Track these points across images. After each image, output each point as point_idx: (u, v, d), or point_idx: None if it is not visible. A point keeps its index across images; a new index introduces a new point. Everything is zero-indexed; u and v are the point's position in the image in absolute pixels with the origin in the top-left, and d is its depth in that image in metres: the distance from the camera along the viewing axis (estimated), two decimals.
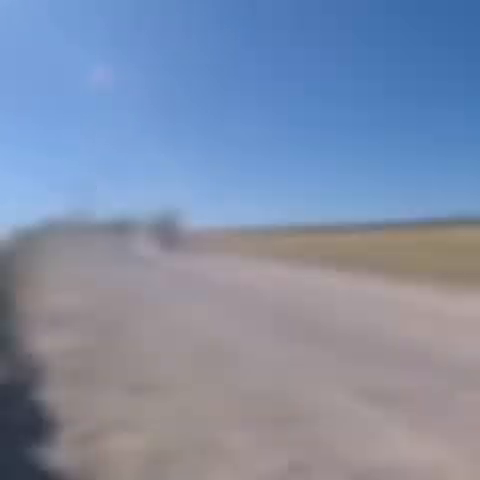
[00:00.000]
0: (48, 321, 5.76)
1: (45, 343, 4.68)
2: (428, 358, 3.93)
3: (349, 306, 6.83)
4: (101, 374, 3.69)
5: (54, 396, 3.15)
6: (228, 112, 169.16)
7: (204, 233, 39.46)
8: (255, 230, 59.55)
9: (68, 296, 8.18)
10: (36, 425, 2.65)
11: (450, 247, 17.84)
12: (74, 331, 5.33)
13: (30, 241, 17.89)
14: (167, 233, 17.28)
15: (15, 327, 4.10)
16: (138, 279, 11.43)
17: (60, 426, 2.64)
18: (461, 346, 4.32)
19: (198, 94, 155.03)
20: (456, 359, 3.89)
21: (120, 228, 38.92)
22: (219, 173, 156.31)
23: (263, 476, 2.08)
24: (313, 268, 12.26)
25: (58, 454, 2.29)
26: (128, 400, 3.09)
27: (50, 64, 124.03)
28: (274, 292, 8.70)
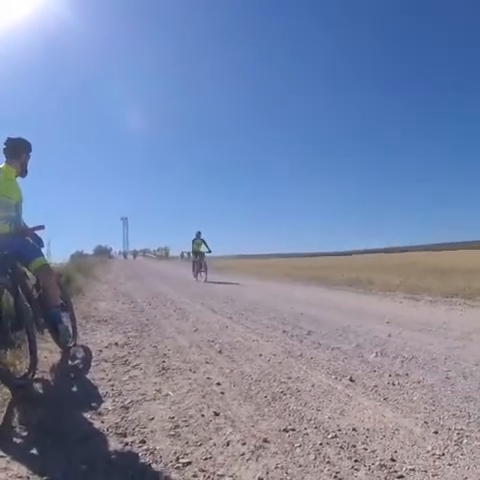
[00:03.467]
0: (95, 321, 6.62)
1: (95, 337, 5.47)
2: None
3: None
4: (138, 359, 4.38)
5: (101, 375, 3.83)
6: None
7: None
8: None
9: (111, 303, 9.09)
10: (87, 397, 3.28)
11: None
12: (116, 327, 6.15)
13: (84, 263, 19.20)
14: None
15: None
16: (171, 290, 12.40)
17: (105, 397, 3.29)
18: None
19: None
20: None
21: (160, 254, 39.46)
22: None
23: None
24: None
25: (106, 418, 2.89)
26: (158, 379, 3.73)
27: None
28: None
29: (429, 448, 2.38)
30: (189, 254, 23.39)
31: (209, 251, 18.09)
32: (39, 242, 4.19)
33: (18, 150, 3.97)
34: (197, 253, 18.05)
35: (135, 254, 70.61)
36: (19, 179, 4.06)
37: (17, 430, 2.64)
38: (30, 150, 4.09)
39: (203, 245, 18.08)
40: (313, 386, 3.46)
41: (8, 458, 2.29)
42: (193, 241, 18.30)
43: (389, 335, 5.29)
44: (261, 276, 18.75)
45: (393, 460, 2.27)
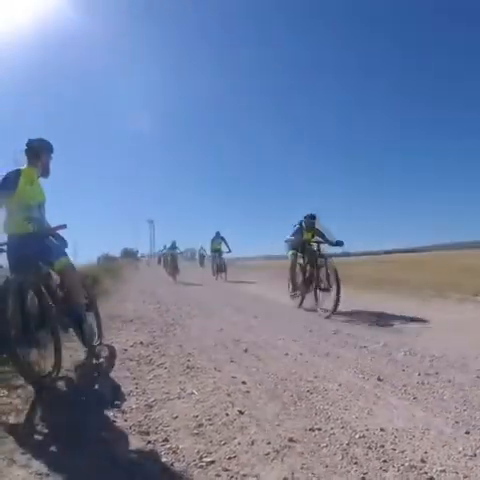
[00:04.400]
0: (120, 321, 6.66)
1: (120, 336, 5.49)
2: None
3: None
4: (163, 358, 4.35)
5: (125, 374, 3.83)
6: None
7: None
8: None
9: (137, 304, 9.15)
10: (111, 396, 3.26)
11: None
12: (141, 327, 6.17)
13: (109, 264, 19.55)
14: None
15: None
16: (194, 290, 12.48)
17: (129, 395, 3.28)
18: None
19: None
20: None
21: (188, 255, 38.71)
22: None
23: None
24: None
25: (129, 416, 2.87)
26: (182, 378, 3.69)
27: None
28: None
29: (460, 449, 2.27)
30: (203, 254, 23.61)
31: (229, 251, 17.97)
32: (63, 242, 4.22)
33: (39, 151, 4.01)
34: (216, 252, 18.05)
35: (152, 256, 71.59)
36: (42, 180, 4.10)
37: (39, 428, 2.65)
38: (51, 151, 4.13)
39: (223, 244, 18.07)
40: (340, 385, 3.37)
41: (29, 455, 2.29)
42: (212, 240, 18.47)
43: (417, 333, 5.14)
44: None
45: (423, 461, 2.17)
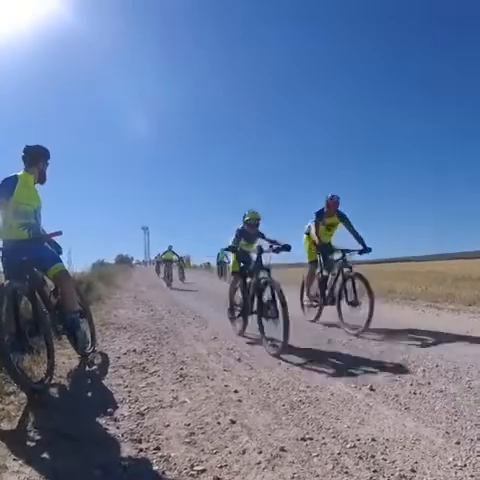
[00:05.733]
0: (114, 328, 6.65)
1: (113, 344, 5.49)
2: None
3: None
4: (156, 366, 4.34)
5: (118, 382, 3.83)
6: None
7: None
8: None
9: (130, 311, 9.14)
10: (104, 403, 3.26)
11: None
12: (135, 334, 6.16)
13: (104, 271, 19.50)
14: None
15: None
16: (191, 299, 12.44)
17: (122, 403, 3.28)
18: None
19: None
20: None
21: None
22: None
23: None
24: None
25: (121, 424, 2.87)
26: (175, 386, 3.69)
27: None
28: None
29: (450, 459, 2.29)
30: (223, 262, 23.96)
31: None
32: (58, 248, 4.24)
33: (36, 157, 4.03)
34: (221, 262, 22.40)
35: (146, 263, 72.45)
36: (38, 186, 4.12)
37: (31, 434, 2.65)
38: (48, 157, 4.16)
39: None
40: (332, 395, 3.38)
41: (21, 461, 2.29)
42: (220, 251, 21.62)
43: (411, 344, 5.16)
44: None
45: (413, 471, 2.18)
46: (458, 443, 2.48)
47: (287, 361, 4.44)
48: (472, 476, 2.11)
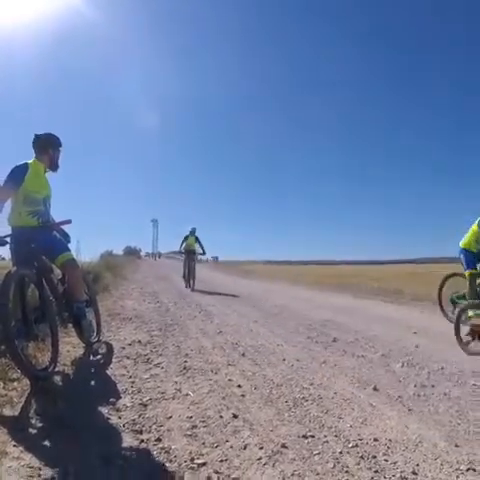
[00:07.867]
0: (120, 318, 6.68)
1: (119, 334, 5.51)
2: None
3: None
4: (160, 358, 4.35)
5: (122, 372, 3.84)
6: None
7: None
8: None
9: (137, 302, 9.17)
10: (107, 393, 3.26)
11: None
12: (141, 326, 6.18)
13: (112, 262, 19.57)
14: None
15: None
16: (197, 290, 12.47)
17: (124, 393, 3.28)
18: None
19: None
20: None
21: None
22: None
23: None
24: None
25: (123, 414, 2.88)
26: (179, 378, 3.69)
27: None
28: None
29: (453, 463, 2.27)
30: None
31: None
32: (66, 237, 4.24)
33: (46, 145, 4.03)
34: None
35: (156, 255, 72.93)
36: (50, 175, 4.13)
37: (33, 421, 2.66)
38: (59, 145, 4.15)
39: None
40: (336, 393, 3.37)
41: (21, 447, 2.29)
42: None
43: (416, 346, 5.12)
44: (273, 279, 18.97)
45: (415, 473, 2.16)
46: (460, 447, 2.45)
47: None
48: None
